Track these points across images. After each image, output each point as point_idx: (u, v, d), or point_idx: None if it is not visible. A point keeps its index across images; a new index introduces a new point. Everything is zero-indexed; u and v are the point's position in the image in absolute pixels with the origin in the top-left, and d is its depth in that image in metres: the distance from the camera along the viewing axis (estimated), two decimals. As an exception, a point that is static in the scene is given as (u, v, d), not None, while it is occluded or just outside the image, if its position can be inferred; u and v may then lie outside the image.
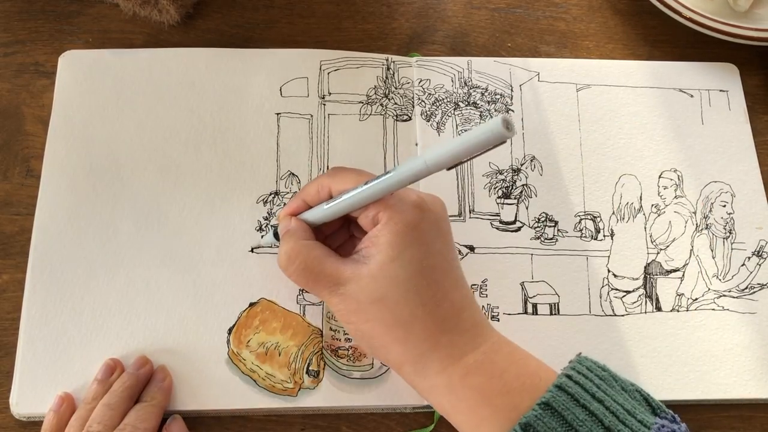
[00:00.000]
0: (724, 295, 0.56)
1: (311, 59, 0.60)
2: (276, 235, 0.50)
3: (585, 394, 0.40)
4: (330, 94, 0.59)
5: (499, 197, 0.58)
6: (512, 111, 0.60)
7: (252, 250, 0.54)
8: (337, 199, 0.45)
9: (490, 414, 0.41)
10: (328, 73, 0.60)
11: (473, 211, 0.57)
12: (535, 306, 0.55)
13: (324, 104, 0.59)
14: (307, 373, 0.51)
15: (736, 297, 0.56)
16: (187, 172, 0.56)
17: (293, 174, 0.57)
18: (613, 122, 0.61)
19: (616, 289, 0.56)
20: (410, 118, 0.59)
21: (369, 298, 0.42)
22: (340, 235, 0.51)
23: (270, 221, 0.55)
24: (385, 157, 0.58)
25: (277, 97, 0.59)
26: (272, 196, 0.56)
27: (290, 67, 0.60)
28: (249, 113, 0.58)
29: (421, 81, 0.61)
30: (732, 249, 0.58)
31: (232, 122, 0.58)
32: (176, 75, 0.59)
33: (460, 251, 0.55)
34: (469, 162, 0.57)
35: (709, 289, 0.56)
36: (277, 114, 0.58)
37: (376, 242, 0.43)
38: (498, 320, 0.54)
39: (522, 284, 0.55)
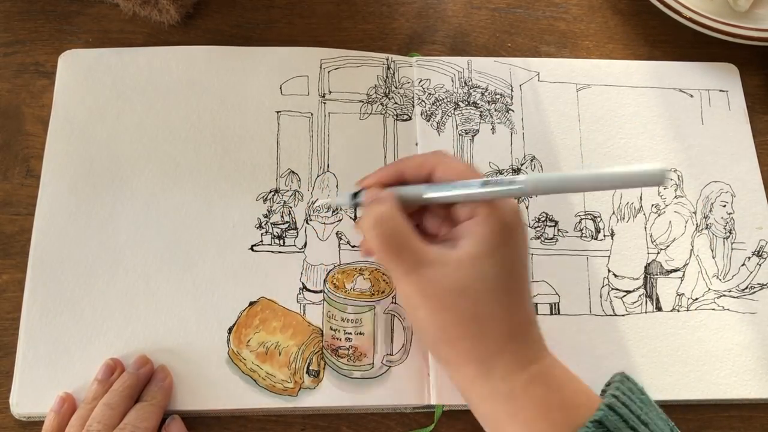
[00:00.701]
0: (724, 295, 0.56)
1: (312, 57, 0.60)
2: (354, 201, 0.47)
3: (632, 415, 0.40)
4: (330, 92, 0.59)
5: (499, 197, 0.58)
6: (512, 111, 0.60)
7: (252, 248, 0.54)
8: (445, 189, 0.43)
9: (547, 428, 0.40)
10: (329, 72, 0.60)
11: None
12: (535, 306, 0.55)
13: (324, 103, 0.59)
14: (307, 372, 0.51)
15: (736, 297, 0.56)
16: (187, 170, 0.56)
17: (293, 172, 0.57)
18: (613, 122, 0.61)
19: (617, 289, 0.56)
20: (410, 118, 0.59)
21: (452, 285, 0.41)
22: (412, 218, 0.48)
23: (270, 219, 0.55)
24: (385, 157, 0.58)
25: (278, 95, 0.59)
26: (272, 194, 0.56)
27: (290, 66, 0.60)
28: (249, 111, 0.58)
29: (421, 81, 0.61)
30: (732, 249, 0.58)
31: (232, 120, 0.58)
32: (176, 73, 0.59)
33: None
34: (469, 162, 0.57)
35: (709, 289, 0.56)
36: (278, 112, 0.59)
37: (471, 234, 0.42)
38: (498, 320, 0.54)
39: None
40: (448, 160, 0.45)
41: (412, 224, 0.43)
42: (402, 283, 0.43)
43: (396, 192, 0.45)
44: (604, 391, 0.44)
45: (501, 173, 0.58)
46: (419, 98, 0.60)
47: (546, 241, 0.57)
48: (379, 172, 0.47)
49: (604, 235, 0.57)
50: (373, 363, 0.52)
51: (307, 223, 0.56)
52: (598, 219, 0.58)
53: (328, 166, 0.57)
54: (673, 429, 0.42)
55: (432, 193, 0.44)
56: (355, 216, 0.49)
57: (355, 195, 0.47)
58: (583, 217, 0.58)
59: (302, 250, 0.55)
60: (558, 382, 0.42)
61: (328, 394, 0.51)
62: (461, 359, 0.42)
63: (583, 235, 0.57)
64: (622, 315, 0.55)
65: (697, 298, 0.56)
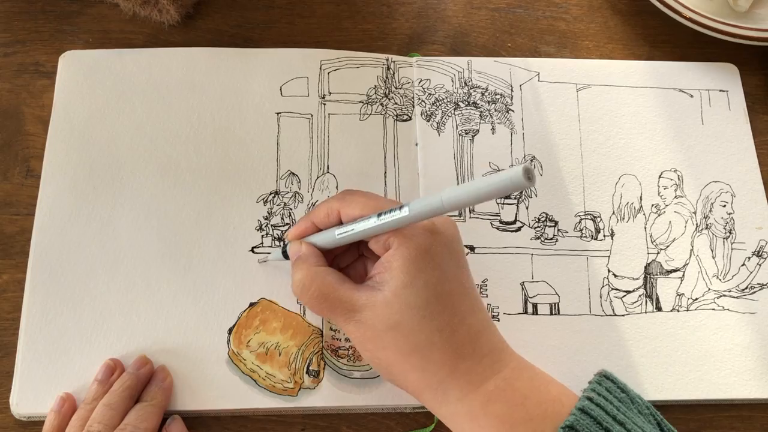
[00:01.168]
0: (724, 295, 0.56)
1: (311, 59, 0.60)
2: (285, 254, 0.49)
3: (607, 416, 0.40)
4: (330, 93, 0.59)
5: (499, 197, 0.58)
6: (512, 111, 0.60)
7: (252, 250, 0.54)
8: (348, 228, 0.45)
9: None
10: (329, 73, 0.60)
11: (473, 211, 0.57)
12: (535, 306, 0.55)
13: (324, 104, 0.59)
14: (307, 373, 0.51)
15: (736, 297, 0.56)
16: (187, 171, 0.56)
17: (293, 173, 0.57)
18: (613, 122, 0.61)
19: (616, 289, 0.56)
20: (410, 118, 0.59)
21: (384, 325, 0.42)
22: (349, 254, 0.50)
23: (270, 221, 0.55)
24: (385, 157, 0.58)
25: (278, 96, 0.59)
26: (272, 195, 0.56)
27: (290, 67, 0.60)
28: (249, 113, 0.58)
29: (421, 81, 0.61)
30: (732, 249, 0.58)
31: (232, 122, 0.58)
32: (176, 75, 0.59)
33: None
34: (469, 163, 0.57)
35: (709, 289, 0.56)
36: (278, 113, 0.59)
37: (389, 267, 0.42)
38: (498, 320, 0.54)
39: (522, 284, 0.55)
40: (350, 197, 0.46)
41: (337, 274, 0.45)
42: (345, 331, 0.44)
43: (314, 241, 0.47)
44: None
45: (501, 173, 0.58)
46: (419, 98, 0.60)
47: (546, 241, 0.57)
48: (297, 227, 0.48)
49: (604, 236, 0.57)
50: (373, 363, 0.52)
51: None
52: (598, 219, 0.58)
53: (328, 168, 0.57)
54: (662, 422, 0.42)
55: (339, 236, 0.45)
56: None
57: (285, 248, 0.50)
58: (583, 217, 0.58)
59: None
60: (520, 395, 0.41)
61: (328, 394, 0.51)
62: (416, 388, 0.43)
63: (583, 235, 0.57)
64: (622, 315, 0.55)
65: (697, 298, 0.56)
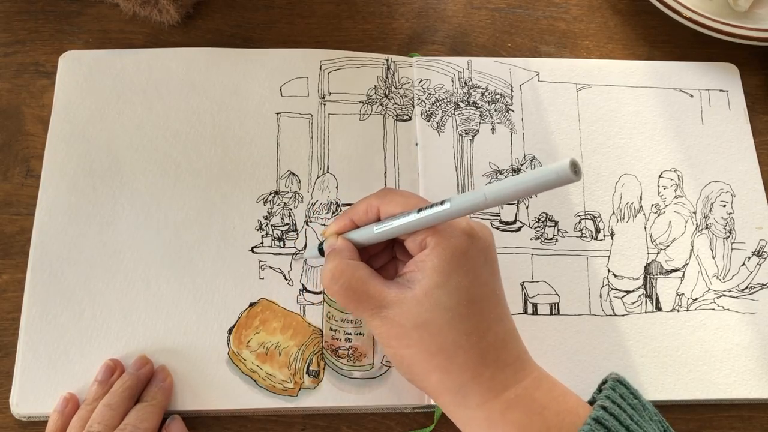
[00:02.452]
0: (724, 295, 0.56)
1: (311, 59, 0.60)
2: (321, 251, 0.49)
3: (620, 427, 0.40)
4: (330, 93, 0.59)
5: (499, 197, 0.58)
6: (512, 111, 0.60)
7: (252, 250, 0.54)
8: (387, 223, 0.44)
9: None
10: (329, 73, 0.60)
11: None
12: (535, 306, 0.55)
13: (324, 104, 0.59)
14: (307, 373, 0.51)
15: (736, 297, 0.56)
16: (187, 171, 0.56)
17: (293, 173, 0.57)
18: (613, 122, 0.61)
19: (616, 289, 0.56)
20: (410, 118, 0.59)
21: (412, 322, 0.41)
22: (383, 256, 0.49)
23: (270, 221, 0.55)
24: (385, 157, 0.58)
25: (278, 96, 0.59)
26: (272, 195, 0.56)
27: (290, 67, 0.60)
28: (249, 113, 0.58)
29: (421, 81, 0.61)
30: (732, 249, 0.58)
31: (232, 122, 0.58)
32: (176, 75, 0.59)
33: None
34: (469, 163, 0.57)
35: (709, 289, 0.56)
36: (278, 114, 0.59)
37: (423, 267, 0.42)
38: (498, 320, 0.54)
39: (522, 284, 0.55)
40: (390, 195, 0.45)
41: (368, 269, 0.44)
42: (370, 326, 0.43)
43: (351, 237, 0.46)
44: (600, 391, 0.44)
45: (501, 173, 0.58)
46: (419, 98, 0.60)
47: (546, 241, 0.57)
48: (335, 223, 0.48)
49: (604, 236, 0.57)
50: (373, 363, 0.52)
51: (307, 224, 0.56)
52: (598, 219, 0.58)
53: (328, 168, 0.57)
54: (668, 430, 0.42)
55: (378, 230, 0.45)
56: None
57: (321, 245, 0.49)
58: (583, 217, 0.58)
59: (302, 252, 0.55)
60: (539, 405, 0.41)
61: (328, 394, 0.51)
62: (436, 390, 0.43)
63: (583, 235, 0.57)
64: (622, 315, 0.55)
65: (696, 298, 0.56)
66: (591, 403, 0.44)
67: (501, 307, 0.44)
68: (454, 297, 0.41)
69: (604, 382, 0.44)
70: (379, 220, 0.45)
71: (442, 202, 0.41)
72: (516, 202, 0.58)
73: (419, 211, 0.42)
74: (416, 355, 0.42)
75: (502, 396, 0.41)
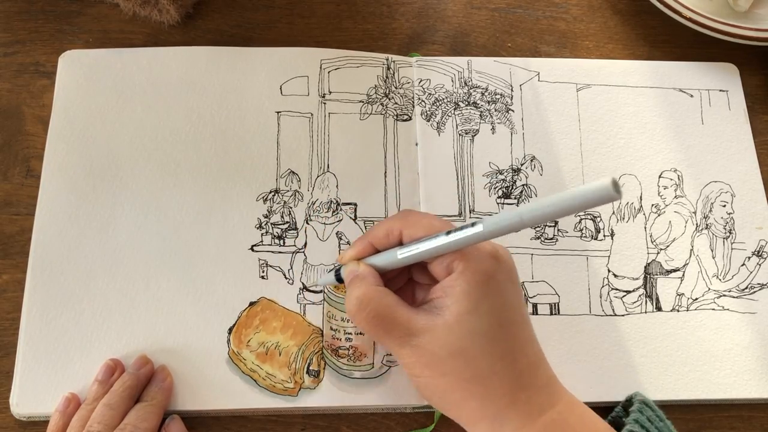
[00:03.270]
0: (724, 295, 0.56)
1: (312, 58, 0.60)
2: (338, 277, 0.47)
3: None
4: (330, 92, 0.59)
5: (499, 197, 0.58)
6: (512, 111, 0.60)
7: (252, 248, 0.54)
8: (412, 247, 0.43)
9: None
10: (329, 72, 0.60)
11: (473, 211, 0.57)
12: (535, 306, 0.55)
13: (324, 103, 0.59)
14: (307, 372, 0.51)
15: (736, 297, 0.56)
16: (187, 170, 0.56)
17: (293, 172, 0.57)
18: (613, 122, 0.61)
19: (616, 289, 0.56)
20: (410, 118, 0.59)
21: (446, 350, 0.40)
22: (399, 279, 0.48)
23: (270, 219, 0.55)
24: (385, 157, 0.58)
25: (278, 95, 0.59)
26: (272, 194, 0.56)
27: (290, 66, 0.60)
28: (249, 112, 0.58)
29: (421, 81, 0.61)
30: (732, 249, 0.58)
31: (233, 121, 0.58)
32: (176, 74, 0.59)
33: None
34: (469, 163, 0.57)
35: (709, 289, 0.56)
36: (278, 112, 0.59)
37: (451, 292, 0.41)
38: (498, 320, 0.54)
39: (522, 284, 0.55)
40: (412, 218, 0.45)
41: (394, 296, 0.43)
42: (398, 355, 0.43)
43: (372, 262, 0.45)
44: (624, 409, 0.43)
45: (501, 173, 0.58)
46: (419, 98, 0.60)
47: (546, 241, 0.57)
48: (354, 247, 0.47)
49: (604, 235, 0.57)
50: (373, 363, 0.52)
51: (307, 223, 0.56)
52: (598, 219, 0.58)
53: (328, 167, 0.57)
54: None
55: (403, 255, 0.43)
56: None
57: (338, 271, 0.48)
58: (583, 217, 0.58)
59: (302, 251, 0.55)
60: (572, 430, 0.41)
61: (328, 394, 0.51)
62: (471, 419, 0.42)
63: (583, 235, 0.57)
64: (622, 315, 0.55)
65: (696, 298, 0.56)
66: (613, 419, 0.44)
67: (530, 329, 0.43)
68: (485, 322, 0.41)
69: (629, 401, 0.44)
70: (400, 243, 0.44)
71: (473, 224, 0.39)
72: (515, 202, 0.58)
73: (448, 233, 0.41)
74: (451, 384, 0.41)
75: (539, 421, 0.41)
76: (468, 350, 0.40)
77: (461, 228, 0.40)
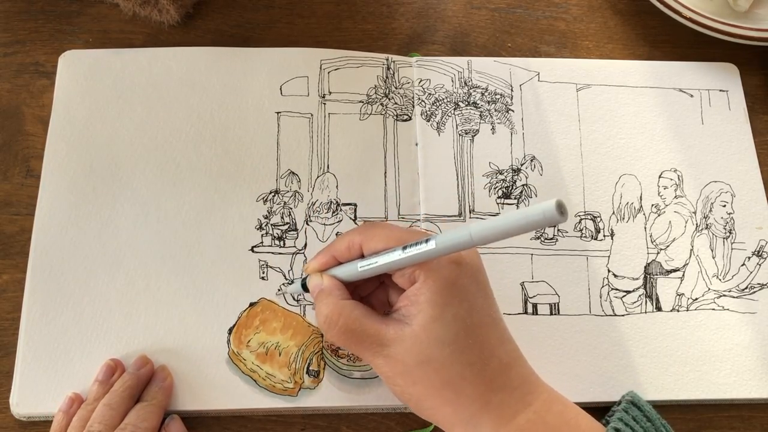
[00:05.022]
0: (724, 295, 0.56)
1: (311, 58, 0.60)
2: (304, 287, 0.48)
3: None
4: (330, 93, 0.59)
5: (499, 197, 0.58)
6: (512, 111, 0.60)
7: (252, 249, 0.54)
8: (371, 261, 0.44)
9: None
10: (329, 72, 0.60)
11: (473, 211, 0.57)
12: (535, 306, 0.55)
13: (324, 103, 0.59)
14: (307, 373, 0.51)
15: (736, 297, 0.56)
16: (187, 171, 0.56)
17: (293, 173, 0.57)
18: (613, 122, 0.61)
19: (616, 289, 0.56)
20: (410, 118, 0.59)
21: (414, 360, 0.41)
22: (370, 283, 0.48)
23: (270, 220, 0.55)
24: (385, 157, 0.58)
25: (278, 95, 0.59)
26: (272, 194, 0.56)
27: (290, 66, 0.60)
28: (249, 112, 0.58)
29: (421, 81, 0.61)
30: (732, 249, 0.58)
31: (232, 121, 0.58)
32: (176, 74, 0.59)
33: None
34: (469, 163, 0.57)
35: (709, 289, 0.56)
36: (278, 113, 0.59)
37: (416, 301, 0.42)
38: (498, 320, 0.54)
39: (522, 284, 0.55)
40: (372, 230, 0.45)
41: (362, 307, 0.44)
42: (373, 365, 0.43)
43: (335, 274, 0.46)
44: (612, 414, 0.43)
45: (501, 173, 0.58)
46: (419, 98, 0.60)
47: (546, 241, 0.57)
48: (316, 260, 0.47)
49: (604, 235, 0.57)
50: (373, 363, 0.52)
51: (307, 224, 0.56)
52: (598, 219, 0.58)
53: (328, 167, 0.57)
54: None
55: (362, 269, 0.44)
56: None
57: (304, 280, 0.48)
58: (583, 217, 0.58)
59: (302, 251, 0.55)
60: (551, 428, 0.41)
61: (328, 394, 0.51)
62: (448, 422, 0.42)
63: (583, 235, 0.57)
64: (622, 315, 0.55)
65: (696, 298, 0.56)
66: (608, 421, 0.43)
67: (500, 330, 0.43)
68: (451, 329, 0.41)
69: (620, 403, 0.44)
70: (362, 256, 0.45)
71: (426, 240, 0.40)
72: (515, 202, 0.58)
73: (404, 249, 0.41)
74: (423, 391, 0.42)
75: (513, 422, 0.41)
76: (436, 359, 0.41)
77: (416, 243, 0.41)
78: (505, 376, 0.42)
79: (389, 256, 0.42)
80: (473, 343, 0.41)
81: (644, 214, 0.58)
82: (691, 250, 0.58)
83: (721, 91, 0.63)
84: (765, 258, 0.57)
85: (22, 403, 0.49)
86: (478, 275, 0.44)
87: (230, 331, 0.52)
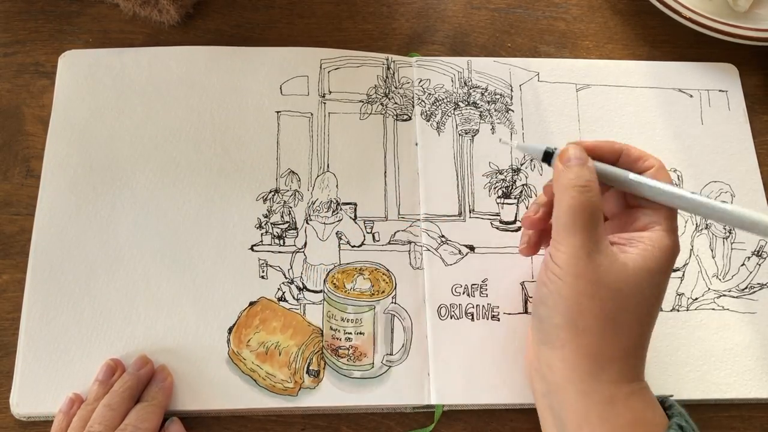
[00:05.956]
0: (724, 295, 0.56)
1: (312, 57, 0.60)
2: (547, 156, 0.46)
3: None
4: (330, 92, 0.59)
5: (499, 197, 0.58)
6: (512, 111, 0.60)
7: (252, 248, 0.54)
8: (658, 185, 0.44)
9: None
10: (329, 72, 0.60)
11: (473, 210, 0.57)
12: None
13: (324, 103, 0.59)
14: (307, 372, 0.51)
15: (736, 297, 0.56)
16: (187, 170, 0.56)
17: (293, 172, 0.57)
18: (613, 122, 0.61)
19: (617, 289, 0.56)
20: (410, 118, 0.59)
21: (611, 282, 0.42)
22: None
23: (270, 219, 0.55)
24: (385, 157, 0.58)
25: (278, 95, 0.59)
26: (272, 193, 0.56)
27: (290, 65, 0.60)
28: (249, 111, 0.58)
29: (421, 81, 0.61)
30: (732, 249, 0.58)
31: (232, 120, 0.58)
32: (176, 73, 0.59)
33: (460, 251, 0.55)
34: (469, 163, 0.57)
35: (709, 288, 0.56)
36: (278, 112, 0.59)
37: (642, 246, 0.43)
38: (498, 320, 0.54)
39: (522, 284, 0.55)
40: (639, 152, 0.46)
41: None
42: (559, 255, 0.43)
43: (598, 166, 0.45)
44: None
45: (501, 173, 0.58)
46: (419, 98, 0.60)
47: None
48: (580, 145, 0.46)
49: (604, 235, 0.57)
50: (373, 363, 0.52)
51: (307, 223, 0.56)
52: (598, 219, 0.58)
53: (328, 166, 0.57)
54: None
55: (640, 180, 0.44)
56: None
57: (548, 154, 0.46)
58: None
59: (302, 250, 0.55)
60: (653, 402, 0.44)
61: (328, 394, 0.51)
62: (578, 350, 0.43)
63: (583, 235, 0.57)
64: (622, 315, 0.55)
65: (696, 298, 0.56)
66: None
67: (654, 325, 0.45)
68: (651, 289, 0.43)
69: (663, 402, 0.45)
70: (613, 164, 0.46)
71: (723, 201, 0.44)
72: (515, 201, 0.58)
73: (693, 193, 0.43)
74: (591, 309, 0.42)
75: (631, 384, 0.43)
76: (627, 297, 0.42)
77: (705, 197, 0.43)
78: (641, 350, 0.45)
79: (677, 191, 0.43)
80: (651, 312, 0.44)
81: (644, 214, 0.58)
82: (691, 249, 0.57)
83: (720, 91, 0.63)
84: (765, 258, 0.57)
85: (22, 403, 0.49)
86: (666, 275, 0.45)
87: (230, 330, 0.52)
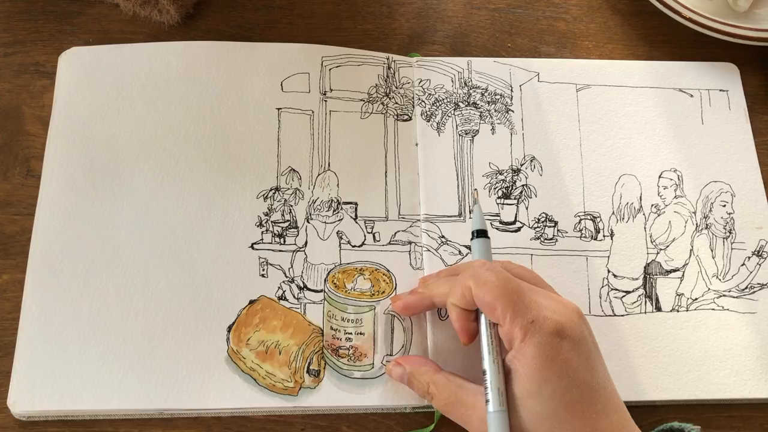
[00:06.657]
0: (724, 295, 0.56)
1: (313, 54, 0.60)
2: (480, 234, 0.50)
3: None
4: (331, 90, 0.59)
5: (499, 197, 0.58)
6: (512, 111, 0.60)
7: (252, 246, 0.54)
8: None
9: None
10: (330, 69, 0.60)
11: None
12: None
13: (325, 100, 0.59)
14: (307, 372, 0.51)
15: (736, 297, 0.56)
16: (187, 167, 0.56)
17: (294, 170, 0.57)
18: (613, 122, 0.61)
19: (616, 289, 0.56)
20: (410, 118, 0.59)
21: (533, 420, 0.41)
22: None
23: (270, 217, 0.55)
24: (385, 156, 0.58)
25: (278, 92, 0.59)
26: (273, 191, 0.56)
27: (291, 62, 0.60)
28: (249, 108, 0.58)
29: (421, 81, 0.61)
30: (732, 249, 0.58)
31: (233, 117, 0.58)
32: (176, 70, 0.59)
33: (460, 251, 0.55)
34: (469, 163, 0.57)
35: (709, 289, 0.56)
36: (278, 109, 0.58)
37: (514, 371, 0.42)
38: (498, 320, 0.54)
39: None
40: (484, 277, 0.45)
41: (456, 379, 0.48)
42: (469, 427, 0.45)
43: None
44: None
45: (501, 173, 0.58)
46: (419, 98, 0.60)
47: (545, 241, 0.57)
48: (411, 296, 0.52)
49: (604, 236, 0.57)
50: (373, 363, 0.52)
51: (308, 221, 0.56)
52: (598, 219, 0.58)
53: (328, 165, 0.57)
54: None
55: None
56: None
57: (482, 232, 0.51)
58: (583, 217, 0.58)
59: (303, 249, 0.55)
60: None
61: (329, 394, 0.51)
62: None
63: (583, 235, 0.57)
64: (622, 315, 0.55)
65: (696, 298, 0.56)
66: None
67: (603, 402, 0.42)
68: (549, 406, 0.41)
69: None
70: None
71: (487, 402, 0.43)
72: (515, 202, 0.58)
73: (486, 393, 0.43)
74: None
75: None
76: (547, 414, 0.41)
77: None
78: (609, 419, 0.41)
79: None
80: (572, 418, 0.41)
81: (644, 214, 0.58)
82: (691, 250, 0.58)
83: (721, 91, 0.63)
84: (765, 258, 0.57)
85: (21, 403, 0.49)
86: (580, 346, 0.42)
87: (230, 328, 0.52)
